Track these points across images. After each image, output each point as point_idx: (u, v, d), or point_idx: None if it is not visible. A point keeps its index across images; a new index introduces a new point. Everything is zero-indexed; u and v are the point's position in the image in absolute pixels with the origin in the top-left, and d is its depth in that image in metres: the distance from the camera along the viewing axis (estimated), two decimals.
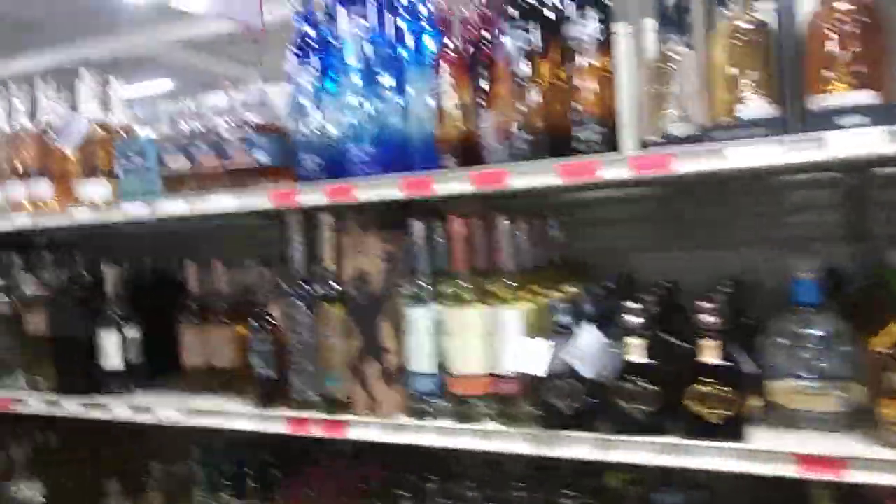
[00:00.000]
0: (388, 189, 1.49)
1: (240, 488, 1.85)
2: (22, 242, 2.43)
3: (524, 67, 1.42)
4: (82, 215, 1.94)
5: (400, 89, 1.56)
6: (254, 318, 1.72)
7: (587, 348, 1.32)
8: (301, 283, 1.64)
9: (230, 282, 1.93)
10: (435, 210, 1.61)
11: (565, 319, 1.37)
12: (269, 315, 1.70)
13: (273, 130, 1.73)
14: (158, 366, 2.05)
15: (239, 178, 1.71)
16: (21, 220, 2.05)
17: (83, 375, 2.00)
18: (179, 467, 2.08)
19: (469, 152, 1.49)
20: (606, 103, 1.34)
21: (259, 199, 1.63)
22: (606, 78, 1.35)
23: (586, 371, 1.29)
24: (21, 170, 2.08)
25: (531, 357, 1.36)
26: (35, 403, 2.06)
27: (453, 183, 1.42)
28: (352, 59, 1.60)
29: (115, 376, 1.98)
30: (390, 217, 1.63)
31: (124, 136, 1.99)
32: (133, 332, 2.00)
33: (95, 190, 1.96)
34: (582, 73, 1.36)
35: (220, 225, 2.39)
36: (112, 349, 1.97)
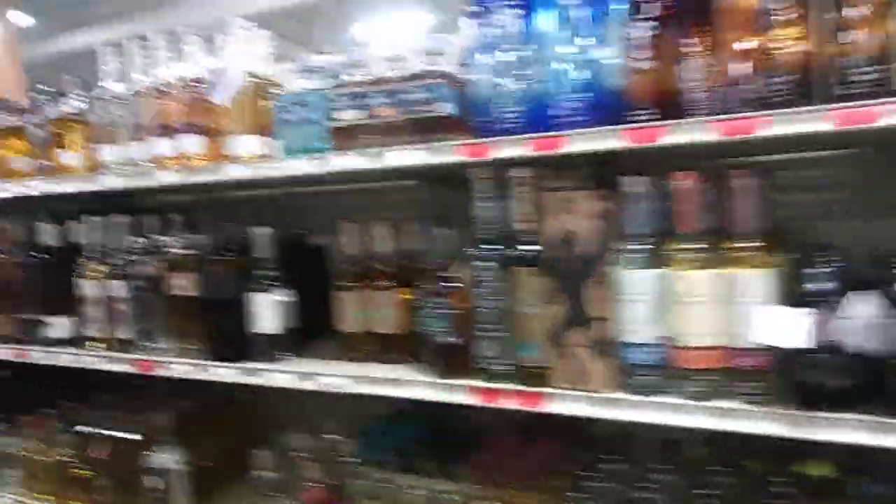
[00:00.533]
0: (605, 141, 1.35)
1: (407, 462, 1.75)
2: (129, 207, 2.36)
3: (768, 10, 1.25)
4: (238, 172, 1.84)
5: (599, 39, 1.42)
6: (433, 281, 1.61)
7: (861, 319, 1.16)
8: (491, 244, 1.52)
9: (388, 244, 1.82)
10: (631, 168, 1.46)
11: (824, 287, 1.22)
12: (452, 278, 1.59)
13: (454, 81, 1.60)
14: (305, 332, 1.98)
15: (421, 130, 1.58)
16: (168, 178, 1.97)
17: (232, 340, 1.92)
18: (327, 439, 2.00)
19: (670, 104, 1.34)
20: (880, 43, 1.17)
21: (448, 154, 1.50)
22: (882, 13, 1.18)
23: (861, 345, 1.14)
24: (168, 125, 2.00)
25: (783, 327, 1.21)
26: (182, 368, 2.00)
27: (694, 132, 1.26)
28: (548, 7, 1.45)
29: (268, 341, 1.90)
30: (587, 174, 1.49)
31: (280, 88, 1.88)
32: (286, 296, 1.92)
33: (251, 145, 1.86)
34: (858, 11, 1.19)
35: (344, 188, 2.30)
36: (265, 313, 1.89)
